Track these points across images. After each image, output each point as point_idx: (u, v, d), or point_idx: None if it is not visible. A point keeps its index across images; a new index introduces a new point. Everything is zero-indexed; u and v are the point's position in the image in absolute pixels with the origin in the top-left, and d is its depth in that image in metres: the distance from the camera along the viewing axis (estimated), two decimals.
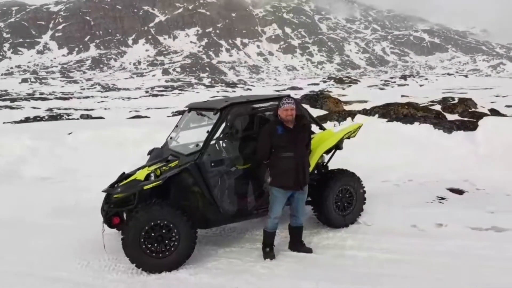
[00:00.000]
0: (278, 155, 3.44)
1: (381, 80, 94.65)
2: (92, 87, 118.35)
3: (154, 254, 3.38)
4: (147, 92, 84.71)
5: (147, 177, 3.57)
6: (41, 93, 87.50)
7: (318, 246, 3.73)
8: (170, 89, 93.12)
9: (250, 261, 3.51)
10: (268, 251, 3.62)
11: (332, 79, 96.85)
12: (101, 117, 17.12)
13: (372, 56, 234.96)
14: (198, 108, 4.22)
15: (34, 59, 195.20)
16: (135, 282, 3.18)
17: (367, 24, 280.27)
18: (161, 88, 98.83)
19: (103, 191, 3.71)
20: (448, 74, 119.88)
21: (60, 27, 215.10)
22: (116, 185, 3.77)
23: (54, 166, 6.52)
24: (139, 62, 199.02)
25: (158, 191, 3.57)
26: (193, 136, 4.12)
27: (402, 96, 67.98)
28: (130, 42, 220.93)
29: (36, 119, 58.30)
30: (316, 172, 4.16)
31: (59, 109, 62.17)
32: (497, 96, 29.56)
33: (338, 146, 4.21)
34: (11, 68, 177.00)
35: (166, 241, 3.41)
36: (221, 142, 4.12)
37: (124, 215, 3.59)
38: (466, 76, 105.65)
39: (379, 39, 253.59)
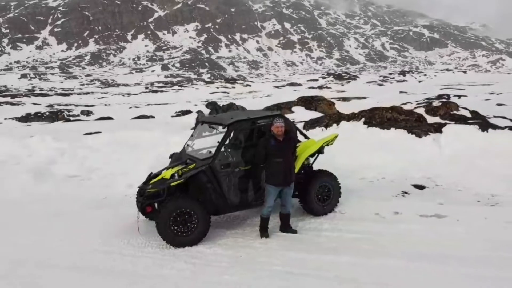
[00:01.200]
0: (271, 160, 4.55)
1: (380, 76, 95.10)
2: (91, 83, 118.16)
3: (180, 234, 4.50)
4: (146, 88, 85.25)
5: (172, 176, 4.68)
6: (41, 89, 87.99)
7: (302, 228, 4.90)
8: (169, 85, 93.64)
9: (250, 239, 4.66)
10: (264, 232, 4.76)
11: (331, 75, 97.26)
12: (109, 117, 18.01)
13: (371, 51, 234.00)
14: (209, 122, 5.34)
15: (33, 54, 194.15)
16: (166, 254, 4.36)
17: (366, 20, 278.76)
18: (161, 84, 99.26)
19: (138, 187, 4.81)
20: (447, 70, 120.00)
21: (59, 22, 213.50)
22: (148, 183, 4.83)
23: (80, 165, 7.51)
24: (138, 58, 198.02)
25: (181, 187, 4.67)
26: (200, 143, 5.20)
27: (401, 92, 68.30)
28: (129, 37, 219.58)
29: (37, 115, 58.77)
30: (302, 172, 5.20)
31: (60, 105, 62.66)
32: (491, 93, 30.40)
33: (320, 151, 5.28)
34: (10, 63, 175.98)
35: (189, 224, 4.52)
36: (228, 149, 5.15)
37: (156, 205, 4.67)
38: (464, 72, 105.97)
39: (378, 35, 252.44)
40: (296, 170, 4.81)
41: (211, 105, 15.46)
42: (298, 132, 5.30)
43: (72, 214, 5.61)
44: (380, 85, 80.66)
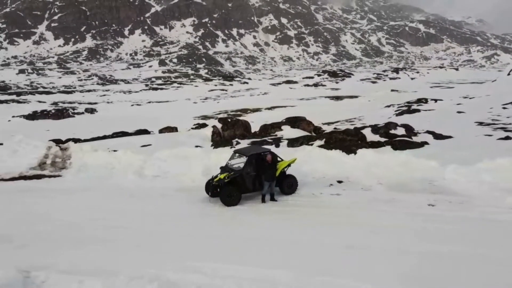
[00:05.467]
0: (266, 171, 9.59)
1: (374, 74, 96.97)
2: (89, 78, 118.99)
3: (229, 201, 9.40)
4: (147, 86, 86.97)
5: (224, 177, 9.58)
6: (44, 87, 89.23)
7: (279, 200, 9.84)
8: (169, 82, 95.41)
9: (257, 204, 9.65)
10: (263, 200, 9.76)
11: (326, 72, 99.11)
12: (145, 130, 20.76)
13: (367, 46, 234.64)
14: (239, 152, 10.55)
15: (31, 49, 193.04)
16: (224, 208, 9.25)
17: (363, 14, 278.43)
18: (160, 81, 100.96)
19: (208, 181, 10.06)
20: (440, 67, 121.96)
21: (56, 17, 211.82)
22: (212, 180, 9.90)
23: (158, 169, 11.78)
24: (136, 53, 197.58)
25: (229, 182, 9.59)
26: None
27: (392, 90, 70.14)
28: (126, 32, 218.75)
29: (43, 113, 60.07)
30: (282, 175, 10.23)
31: (64, 102, 64.09)
32: (465, 97, 32.50)
33: (289, 165, 10.37)
34: (8, 59, 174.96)
35: (233, 197, 9.47)
36: (248, 165, 10.03)
37: (218, 190, 9.64)
38: (456, 69, 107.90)
39: (375, 30, 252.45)
40: (277, 175, 9.91)
41: (225, 121, 18.71)
42: (278, 158, 10.40)
43: (168, 195, 10.23)
44: (374, 82, 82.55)
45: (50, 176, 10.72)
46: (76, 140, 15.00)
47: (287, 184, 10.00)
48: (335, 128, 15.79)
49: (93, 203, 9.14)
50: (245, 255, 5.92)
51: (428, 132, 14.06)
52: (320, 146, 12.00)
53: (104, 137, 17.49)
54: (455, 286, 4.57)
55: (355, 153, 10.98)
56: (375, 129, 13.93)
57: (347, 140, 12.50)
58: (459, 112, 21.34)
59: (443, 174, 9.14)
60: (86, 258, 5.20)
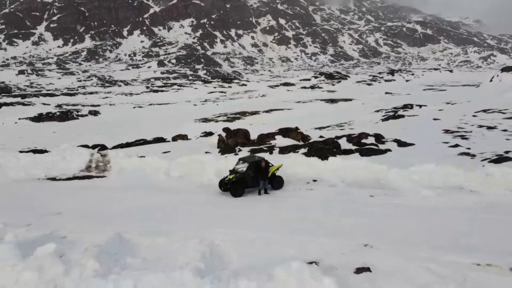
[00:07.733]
0: (261, 173, 12.75)
1: (370, 76, 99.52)
2: (88, 79, 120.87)
3: (236, 193, 12.63)
4: (147, 88, 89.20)
5: (232, 177, 12.87)
6: (47, 90, 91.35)
7: (271, 193, 12.86)
8: (169, 84, 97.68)
9: (255, 195, 12.75)
10: (259, 194, 12.89)
11: (323, 74, 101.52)
12: (161, 138, 23.69)
13: (365, 47, 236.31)
14: (243, 160, 13.65)
15: (30, 50, 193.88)
16: (233, 199, 12.43)
17: (360, 15, 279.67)
18: (160, 83, 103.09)
19: (221, 180, 13.20)
20: (435, 69, 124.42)
21: (55, 18, 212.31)
22: (224, 179, 13.12)
23: (180, 171, 14.45)
24: (134, 54, 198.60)
25: (236, 181, 12.76)
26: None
27: (386, 93, 72.77)
28: (125, 33, 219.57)
29: (49, 115, 62.20)
30: (273, 176, 13.22)
31: (67, 105, 66.24)
32: (448, 103, 35.10)
33: (278, 169, 13.50)
34: (7, 59, 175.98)
35: (238, 191, 12.69)
36: (249, 169, 12.98)
37: (228, 186, 12.82)
38: (451, 71, 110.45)
39: (372, 31, 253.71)
40: (269, 176, 12.91)
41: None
42: (270, 163, 13.40)
43: (192, 190, 13.12)
44: (369, 84, 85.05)
45: (97, 177, 13.36)
46: (103, 147, 17.71)
47: (276, 182, 13.10)
48: (320, 136, 18.54)
49: (137, 196, 11.93)
50: (248, 225, 8.75)
51: (395, 140, 16.52)
52: (303, 154, 14.81)
53: (128, 144, 20.21)
54: (366, 238, 7.63)
55: (327, 159, 13.95)
56: (349, 138, 16.67)
57: (325, 149, 15.18)
58: (435, 119, 23.73)
59: (387, 175, 11.83)
60: (147, 228, 7.66)
